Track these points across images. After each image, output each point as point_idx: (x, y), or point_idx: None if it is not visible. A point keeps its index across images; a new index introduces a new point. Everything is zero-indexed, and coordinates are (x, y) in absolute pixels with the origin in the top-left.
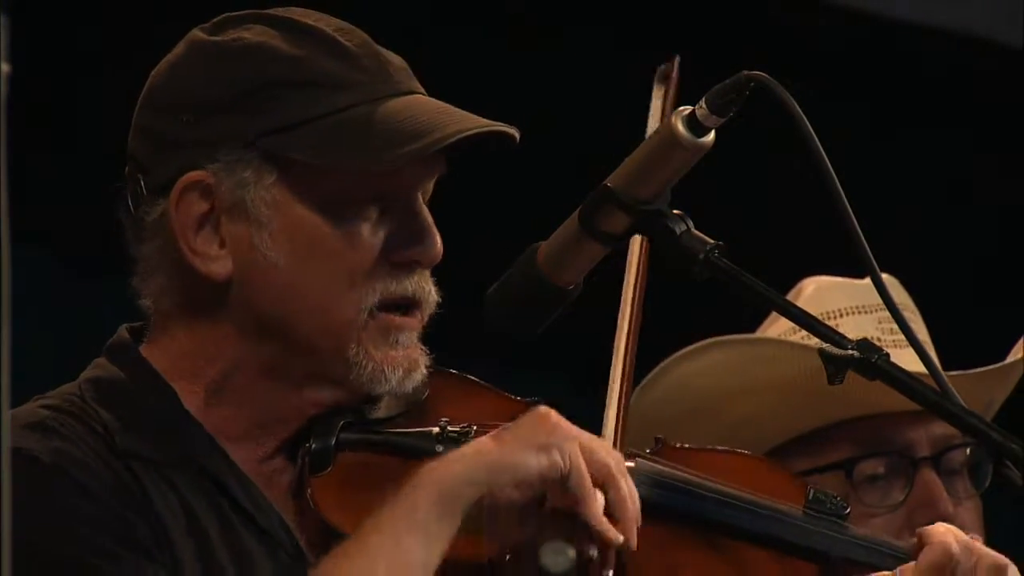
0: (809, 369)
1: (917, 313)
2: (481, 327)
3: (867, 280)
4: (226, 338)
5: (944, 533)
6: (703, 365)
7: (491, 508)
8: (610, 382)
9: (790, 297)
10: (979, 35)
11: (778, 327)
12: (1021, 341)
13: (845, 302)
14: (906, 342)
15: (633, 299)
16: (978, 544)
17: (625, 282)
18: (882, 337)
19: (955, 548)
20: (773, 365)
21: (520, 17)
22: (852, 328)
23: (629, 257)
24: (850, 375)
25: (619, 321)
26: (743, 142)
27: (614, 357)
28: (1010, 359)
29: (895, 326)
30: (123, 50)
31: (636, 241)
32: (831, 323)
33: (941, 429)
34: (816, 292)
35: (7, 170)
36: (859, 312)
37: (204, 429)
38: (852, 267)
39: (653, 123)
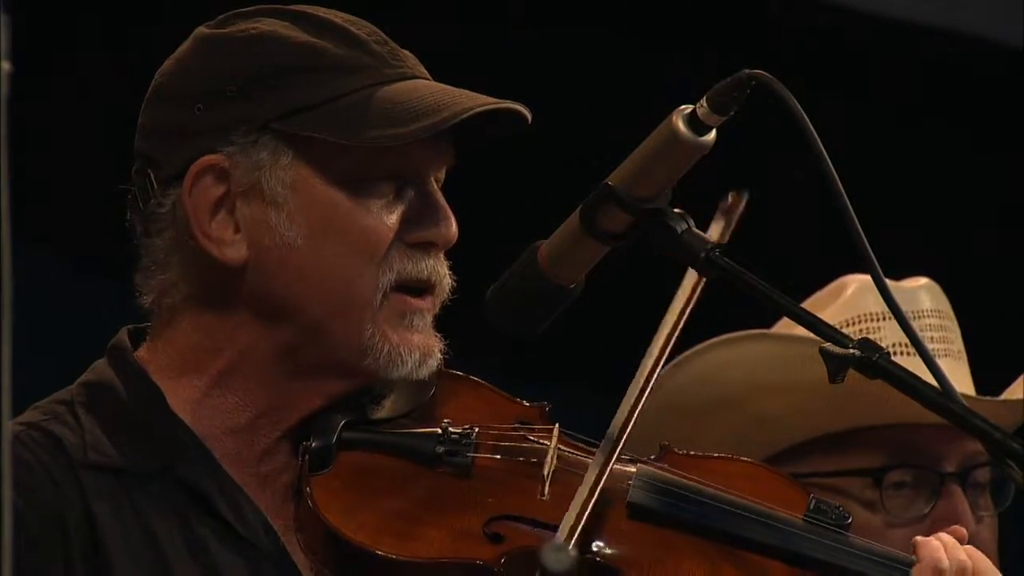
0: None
1: (954, 320)
2: (485, 329)
3: (911, 283)
4: (238, 326)
5: (937, 548)
6: (736, 355)
7: None
8: (625, 398)
9: (829, 294)
10: (979, 35)
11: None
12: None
13: (886, 306)
14: (946, 352)
15: (671, 332)
16: (971, 556)
17: (670, 309)
18: None
19: (945, 563)
20: (812, 364)
21: (520, 15)
22: (893, 334)
23: (682, 287)
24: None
25: (652, 345)
26: (744, 140)
27: (637, 375)
28: None
29: (935, 335)
30: (123, 49)
31: (692, 276)
32: (870, 326)
33: (972, 446)
34: (857, 293)
35: (7, 170)
36: None
37: (191, 433)
38: (855, 266)
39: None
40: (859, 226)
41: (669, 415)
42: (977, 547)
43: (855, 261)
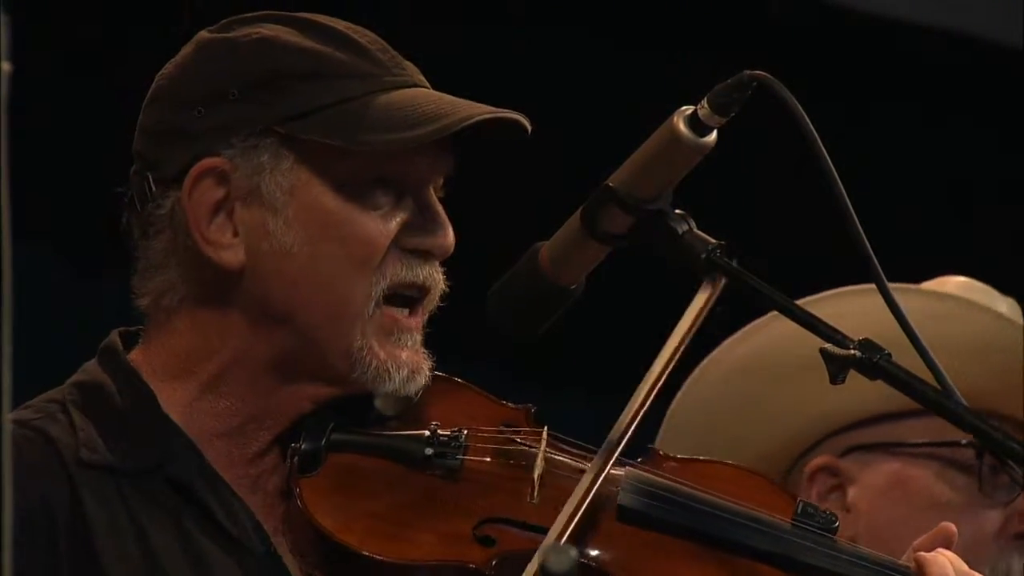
0: (982, 331)
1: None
2: (486, 331)
3: (1009, 299)
4: (232, 329)
5: (944, 564)
6: (859, 306)
7: None
8: (629, 404)
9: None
10: (979, 35)
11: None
12: None
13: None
14: None
15: (682, 339)
16: None
17: (683, 319)
18: None
19: None
20: (947, 323)
21: (521, 15)
22: None
23: (697, 297)
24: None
25: (660, 354)
26: (745, 141)
27: (642, 385)
28: None
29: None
30: (123, 49)
31: (708, 287)
32: None
33: None
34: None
35: (7, 170)
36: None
37: (183, 434)
38: (855, 267)
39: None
40: (860, 226)
41: (772, 365)
42: None
43: (856, 262)
